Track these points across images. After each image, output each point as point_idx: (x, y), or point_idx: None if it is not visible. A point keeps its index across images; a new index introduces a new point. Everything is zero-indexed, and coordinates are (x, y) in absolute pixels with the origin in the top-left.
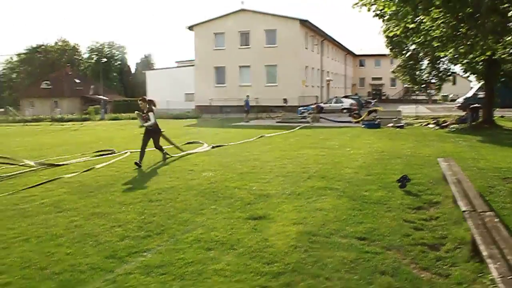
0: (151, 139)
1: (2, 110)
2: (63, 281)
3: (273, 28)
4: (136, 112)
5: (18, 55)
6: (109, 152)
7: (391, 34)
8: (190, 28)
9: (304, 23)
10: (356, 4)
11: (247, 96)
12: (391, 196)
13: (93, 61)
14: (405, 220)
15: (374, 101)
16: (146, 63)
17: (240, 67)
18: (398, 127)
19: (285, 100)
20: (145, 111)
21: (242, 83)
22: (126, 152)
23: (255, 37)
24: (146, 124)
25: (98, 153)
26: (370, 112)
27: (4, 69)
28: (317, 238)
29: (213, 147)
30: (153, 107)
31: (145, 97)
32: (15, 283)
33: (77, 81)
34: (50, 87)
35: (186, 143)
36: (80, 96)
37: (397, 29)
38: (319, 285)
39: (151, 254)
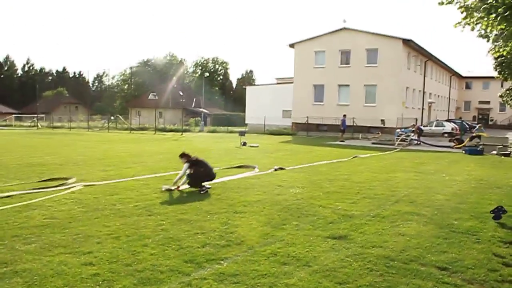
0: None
1: (113, 118)
2: (143, 279)
3: (374, 47)
4: (164, 189)
5: (131, 68)
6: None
7: (497, 55)
8: (291, 45)
9: (408, 42)
10: (459, 23)
11: (344, 115)
12: (482, 227)
13: (197, 75)
14: (495, 254)
15: (478, 126)
16: (247, 79)
17: (339, 86)
18: (503, 155)
19: (383, 121)
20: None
21: (340, 102)
22: (76, 186)
23: (356, 56)
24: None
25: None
26: (472, 138)
27: (117, 80)
28: (394, 263)
29: (275, 170)
30: (189, 158)
31: (181, 153)
32: (102, 274)
33: (181, 93)
34: (156, 98)
35: (233, 167)
36: (182, 108)
37: (504, 50)
38: None
39: (228, 262)
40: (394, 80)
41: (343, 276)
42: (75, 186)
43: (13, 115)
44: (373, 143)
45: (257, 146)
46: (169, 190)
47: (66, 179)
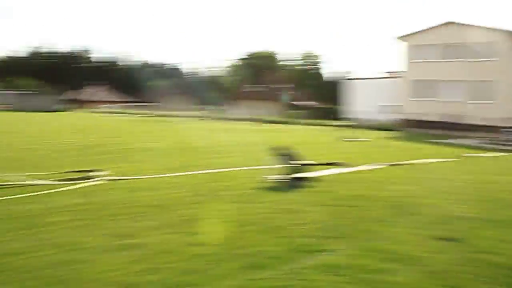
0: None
1: (217, 108)
2: (249, 263)
3: (485, 41)
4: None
5: (234, 60)
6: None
7: None
8: (399, 39)
9: None
10: None
11: (454, 112)
12: None
13: (297, 67)
14: None
15: None
16: (346, 73)
17: (449, 81)
18: None
19: (499, 120)
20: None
21: (450, 99)
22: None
23: (466, 51)
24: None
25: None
26: None
27: (222, 72)
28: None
29: (383, 166)
30: (282, 151)
31: (274, 147)
32: (209, 255)
33: (281, 86)
34: (257, 90)
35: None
36: (283, 100)
37: None
38: None
39: (331, 254)
40: (509, 77)
41: (451, 279)
42: (98, 180)
43: (124, 103)
44: (488, 143)
45: (367, 141)
46: (273, 180)
47: (93, 171)
